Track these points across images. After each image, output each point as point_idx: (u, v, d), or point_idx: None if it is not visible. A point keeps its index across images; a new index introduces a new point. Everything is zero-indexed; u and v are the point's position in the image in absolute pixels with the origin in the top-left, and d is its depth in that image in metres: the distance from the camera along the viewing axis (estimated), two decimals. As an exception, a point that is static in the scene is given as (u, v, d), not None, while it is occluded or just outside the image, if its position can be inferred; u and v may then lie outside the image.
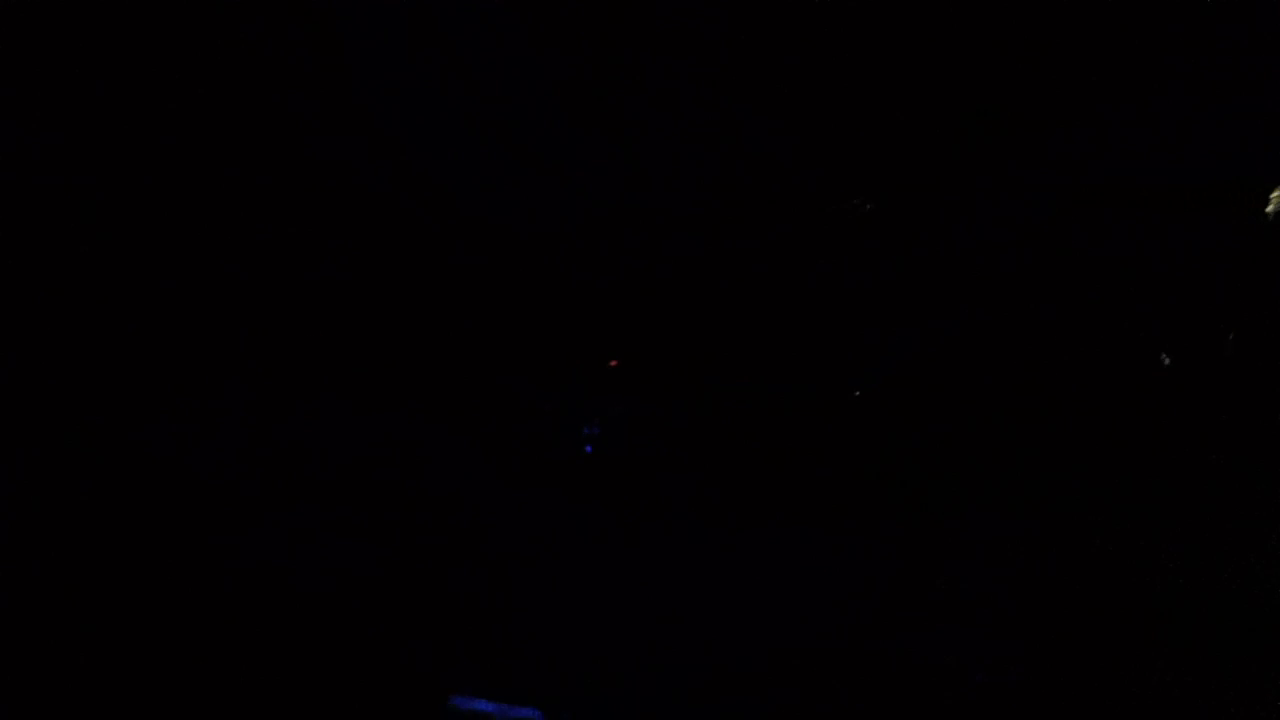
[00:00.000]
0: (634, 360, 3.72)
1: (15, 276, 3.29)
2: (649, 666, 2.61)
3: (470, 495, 3.36)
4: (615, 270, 3.78)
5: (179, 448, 3.28)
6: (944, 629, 2.73)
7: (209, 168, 3.47)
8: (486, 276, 3.72)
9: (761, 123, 3.62)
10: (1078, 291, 3.37)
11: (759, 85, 3.60)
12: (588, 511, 3.41)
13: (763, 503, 3.40)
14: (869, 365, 3.52)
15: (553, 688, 2.54)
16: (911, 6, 3.45)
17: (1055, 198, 3.40)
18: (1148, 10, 3.27)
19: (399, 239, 3.64)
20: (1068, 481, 3.23)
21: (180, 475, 3.22)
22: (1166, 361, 2.70)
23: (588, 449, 3.55)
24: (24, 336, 3.29)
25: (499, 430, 3.58)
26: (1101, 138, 3.35)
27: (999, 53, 3.41)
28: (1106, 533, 3.09)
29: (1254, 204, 3.22)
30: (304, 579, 2.97)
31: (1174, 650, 2.60)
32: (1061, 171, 3.39)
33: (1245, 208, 3.23)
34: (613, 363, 3.52)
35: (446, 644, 2.71)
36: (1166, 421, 3.21)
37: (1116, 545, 3.04)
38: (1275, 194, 2.83)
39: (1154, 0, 3.27)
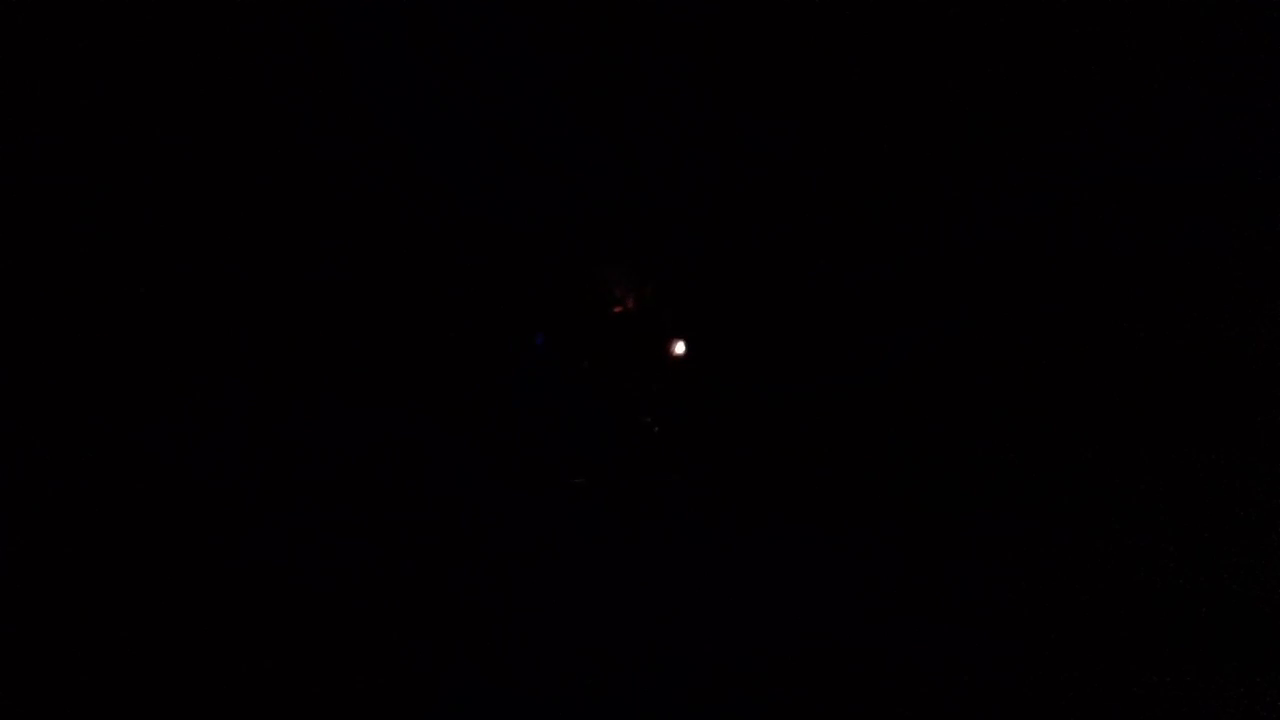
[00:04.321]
0: (634, 360, 3.72)
1: (15, 276, 3.30)
2: (649, 666, 2.61)
3: (470, 495, 3.36)
4: (615, 270, 3.78)
5: (179, 448, 3.28)
6: (944, 629, 2.73)
7: (209, 168, 3.48)
8: (486, 276, 3.73)
9: (761, 123, 3.62)
10: (1077, 291, 3.37)
11: (759, 85, 3.60)
12: (588, 511, 3.41)
13: (763, 503, 3.40)
14: (869, 365, 3.52)
15: (553, 688, 2.54)
16: (912, 7, 3.45)
17: (1055, 198, 3.40)
18: (1148, 11, 3.27)
19: (399, 239, 3.64)
20: (1068, 481, 3.23)
21: (180, 475, 3.22)
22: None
23: (539, 340, 3.58)
24: (24, 336, 3.29)
25: (499, 430, 3.58)
26: (1101, 138, 3.35)
27: (999, 53, 3.41)
28: (1106, 533, 3.09)
29: (1254, 204, 3.22)
30: (304, 579, 2.97)
31: (1174, 650, 2.60)
32: (1061, 171, 3.39)
33: (1245, 208, 3.23)
34: (617, 309, 3.52)
35: (446, 644, 2.71)
36: (1166, 421, 3.21)
37: (1116, 545, 3.04)
38: None
39: (1154, 1, 3.27)
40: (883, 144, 3.52)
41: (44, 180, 3.35)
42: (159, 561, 3.02)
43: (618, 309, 3.58)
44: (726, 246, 3.72)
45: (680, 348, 3.58)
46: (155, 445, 3.27)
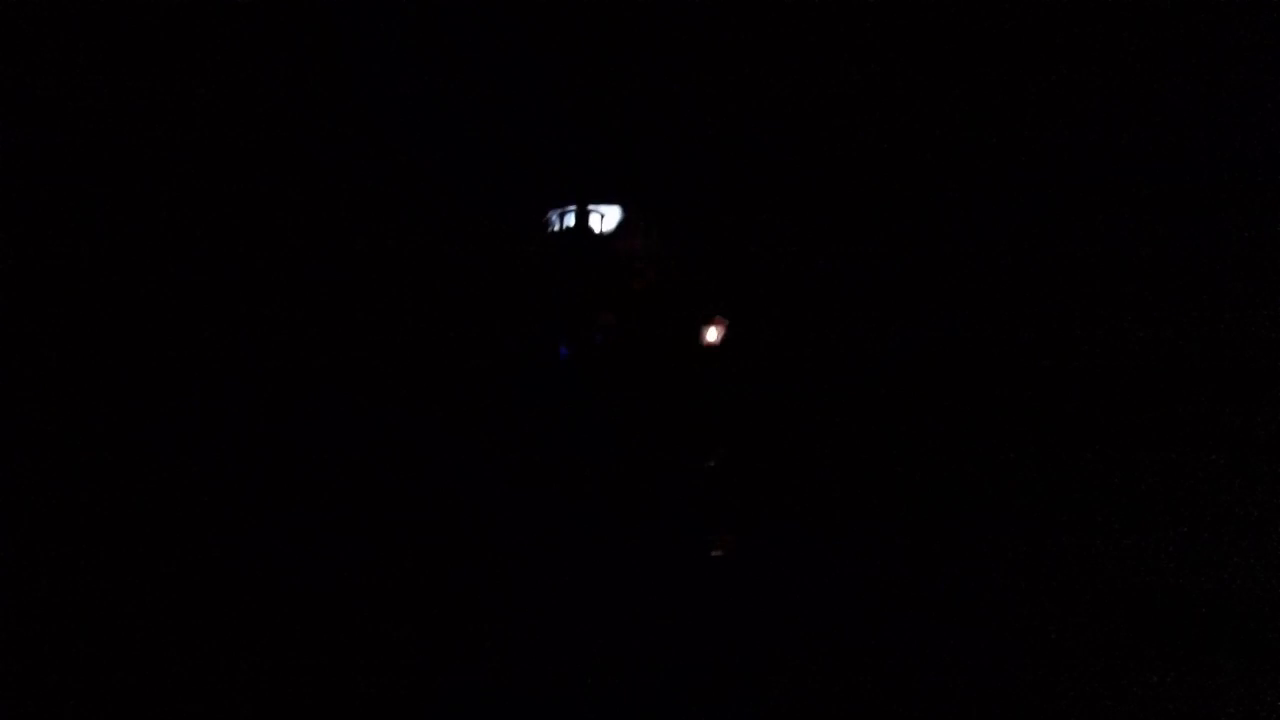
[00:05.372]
0: (634, 359, 3.72)
1: (15, 276, 3.30)
2: (649, 666, 2.61)
3: (470, 495, 3.36)
4: (615, 269, 3.78)
5: (179, 448, 3.28)
6: (944, 629, 2.73)
7: (209, 168, 3.47)
8: (486, 276, 3.73)
9: (761, 123, 3.62)
10: (1077, 291, 3.37)
11: (759, 85, 3.60)
12: (588, 511, 3.41)
13: (763, 503, 3.40)
14: (869, 365, 3.52)
15: (553, 688, 2.54)
16: (912, 6, 3.45)
17: (1055, 198, 3.40)
18: (1148, 10, 3.27)
19: (399, 239, 3.64)
20: (1068, 481, 3.23)
21: (180, 475, 3.22)
22: None
23: (563, 352, 3.54)
24: (24, 336, 3.29)
25: (499, 430, 3.58)
26: (1101, 138, 3.35)
27: (999, 53, 3.41)
28: (1106, 533, 3.09)
29: (1254, 204, 3.22)
30: (304, 579, 2.97)
31: (1174, 650, 2.60)
32: (1061, 171, 3.39)
33: (1245, 208, 3.23)
34: (637, 284, 3.45)
35: (446, 644, 2.71)
36: (1166, 421, 3.21)
37: (1116, 545, 3.04)
38: None
39: (1154, 0, 3.27)
40: (883, 144, 3.52)
41: (44, 180, 3.35)
42: (159, 561, 3.02)
43: (637, 284, 3.54)
44: (726, 246, 3.72)
45: (714, 333, 3.51)
46: (155, 445, 3.27)
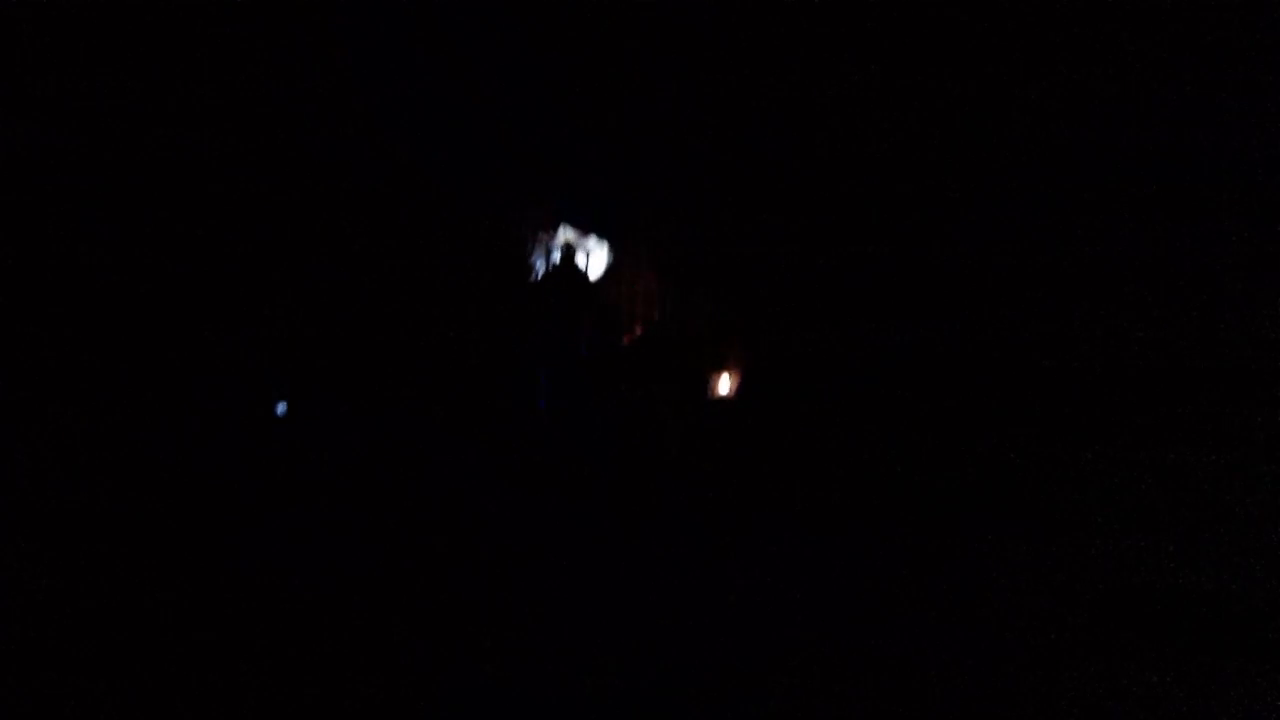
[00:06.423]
0: (633, 360, 3.72)
1: (16, 276, 3.30)
2: (649, 666, 2.61)
3: (470, 495, 3.36)
4: (615, 269, 3.78)
5: (179, 448, 3.28)
6: (944, 629, 2.73)
7: (209, 168, 3.47)
8: (486, 276, 3.73)
9: (761, 122, 3.62)
10: (1077, 291, 3.37)
11: (759, 85, 3.60)
12: (588, 511, 3.41)
13: (762, 503, 3.40)
14: (869, 365, 3.52)
15: (553, 688, 2.54)
16: (913, 7, 3.45)
17: (1055, 198, 3.40)
18: (1148, 11, 3.28)
19: (399, 239, 3.64)
20: (1067, 481, 3.23)
21: (180, 475, 3.22)
22: None
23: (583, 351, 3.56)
24: (25, 336, 3.29)
25: (499, 430, 3.58)
26: (1102, 138, 3.35)
27: (999, 53, 3.41)
28: (1106, 533, 3.09)
29: (1254, 204, 3.22)
30: (304, 579, 2.97)
31: (1174, 650, 2.60)
32: (1061, 171, 3.39)
33: (1245, 208, 3.23)
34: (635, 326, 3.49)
35: (446, 644, 2.72)
36: (1165, 421, 3.22)
37: (1116, 545, 3.04)
38: None
39: (1155, 1, 3.27)
40: (883, 143, 3.52)
41: (44, 180, 3.35)
42: (159, 561, 3.02)
43: (636, 326, 3.57)
44: (726, 245, 3.72)
45: (725, 383, 3.49)
46: (155, 445, 3.27)
